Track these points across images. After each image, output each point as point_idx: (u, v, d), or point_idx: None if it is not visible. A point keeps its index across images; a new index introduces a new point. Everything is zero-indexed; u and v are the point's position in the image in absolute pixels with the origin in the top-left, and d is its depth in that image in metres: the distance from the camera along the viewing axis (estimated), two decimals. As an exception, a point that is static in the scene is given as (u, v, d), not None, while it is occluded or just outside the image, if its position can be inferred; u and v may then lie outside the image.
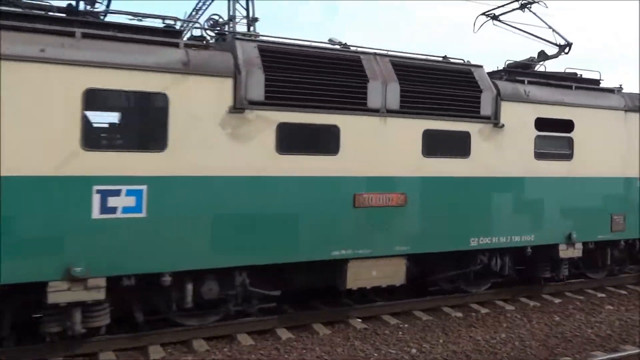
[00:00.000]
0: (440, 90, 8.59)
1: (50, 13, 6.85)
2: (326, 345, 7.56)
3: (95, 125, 6.62)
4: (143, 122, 6.89)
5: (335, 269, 8.12)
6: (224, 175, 7.09)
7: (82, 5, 7.31)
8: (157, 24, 7.29)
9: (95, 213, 6.43)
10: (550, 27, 11.31)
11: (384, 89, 8.12)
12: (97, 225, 6.43)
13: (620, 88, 10.91)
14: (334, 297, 8.99)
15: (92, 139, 6.46)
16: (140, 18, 7.07)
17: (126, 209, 6.58)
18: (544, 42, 11.51)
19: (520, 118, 9.37)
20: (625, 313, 9.52)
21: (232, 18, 28.67)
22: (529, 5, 10.92)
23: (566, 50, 11.42)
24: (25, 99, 6.07)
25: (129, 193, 6.60)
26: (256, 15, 29.63)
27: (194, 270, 7.09)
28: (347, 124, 7.86)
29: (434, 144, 8.61)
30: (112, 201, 6.51)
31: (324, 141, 7.77)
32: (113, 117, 6.94)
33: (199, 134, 6.93)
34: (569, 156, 9.90)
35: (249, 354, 7.16)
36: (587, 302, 10.10)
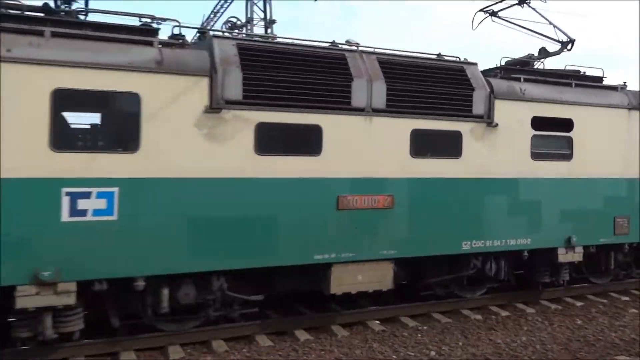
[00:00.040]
0: (429, 88, 8.30)
1: (27, 13, 6.74)
2: (344, 347, 7.51)
3: (64, 125, 6.47)
4: (114, 123, 6.73)
5: (319, 274, 7.88)
6: (199, 177, 6.89)
7: (56, 5, 7.19)
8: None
9: (65, 216, 6.28)
10: (551, 23, 10.94)
11: (369, 88, 7.86)
12: (66, 228, 6.27)
13: (624, 85, 10.50)
14: (350, 300, 8.89)
15: (61, 140, 6.31)
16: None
17: (97, 212, 6.42)
18: (545, 38, 11.17)
19: (515, 117, 9.03)
20: (651, 316, 9.21)
21: (249, 20, 28.76)
22: (528, 1, 10.57)
23: (569, 47, 11.03)
24: None
25: (100, 195, 6.44)
26: (274, 18, 29.92)
27: (170, 274, 6.91)
28: (330, 123, 7.61)
29: (423, 144, 8.32)
30: (82, 204, 6.35)
31: (306, 141, 7.53)
32: (83, 117, 6.80)
33: (173, 135, 6.75)
34: (568, 156, 9.52)
35: (268, 355, 7.17)
36: (610, 306, 9.82)
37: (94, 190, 6.40)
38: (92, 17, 7.44)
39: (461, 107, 8.53)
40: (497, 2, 10.87)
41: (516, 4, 10.74)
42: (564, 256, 9.52)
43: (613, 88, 10.34)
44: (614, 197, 9.96)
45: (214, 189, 6.96)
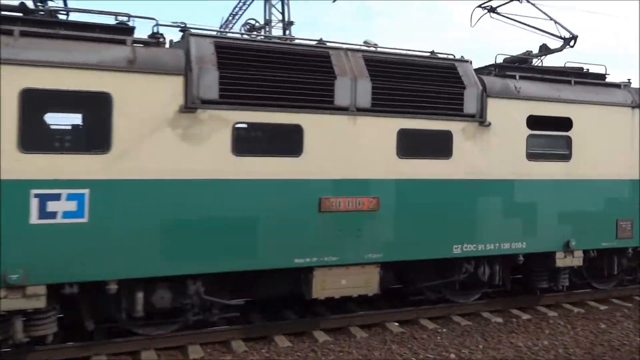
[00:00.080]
0: (418, 86, 8.03)
1: (3, 12, 6.66)
2: (363, 349, 7.44)
3: (33, 126, 6.35)
4: (85, 123, 6.61)
5: (300, 278, 7.66)
6: (173, 179, 6.73)
7: (35, 5, 7.10)
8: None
9: (34, 218, 6.16)
10: (551, 19, 10.58)
11: (353, 86, 7.62)
12: (35, 230, 6.16)
13: (628, 83, 10.08)
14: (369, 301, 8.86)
15: (30, 140, 6.18)
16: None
17: (67, 214, 6.30)
18: (547, 35, 10.81)
19: (509, 116, 8.71)
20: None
21: (268, 22, 28.84)
22: (526, -4, 10.23)
23: (571, 43, 10.67)
24: None
25: (70, 197, 6.31)
26: (292, 19, 29.94)
27: (145, 278, 6.76)
28: (312, 123, 7.39)
29: (411, 145, 8.06)
30: (51, 206, 6.23)
31: (286, 142, 7.33)
32: (53, 117, 6.70)
33: (146, 135, 6.59)
34: (566, 157, 9.15)
35: (286, 356, 7.16)
36: (635, 310, 9.52)
37: (64, 192, 6.27)
38: (73, 17, 7.39)
39: (451, 106, 8.24)
40: (495, -2, 10.56)
41: (515, 0, 10.42)
42: (562, 261, 9.15)
43: (616, 85, 9.93)
44: (617, 200, 9.56)
45: (189, 191, 6.78)
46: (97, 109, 6.45)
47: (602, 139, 9.44)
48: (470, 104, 8.37)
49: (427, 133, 8.13)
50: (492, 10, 10.66)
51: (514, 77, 8.97)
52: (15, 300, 6.14)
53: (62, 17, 7.38)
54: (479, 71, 9.18)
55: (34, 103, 6.19)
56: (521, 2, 10.31)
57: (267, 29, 28.39)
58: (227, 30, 27.68)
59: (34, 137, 6.27)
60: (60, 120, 6.73)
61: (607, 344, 7.86)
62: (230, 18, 31.35)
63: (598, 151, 9.38)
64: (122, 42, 6.66)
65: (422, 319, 8.62)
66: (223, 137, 6.95)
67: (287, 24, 29.84)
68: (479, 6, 10.70)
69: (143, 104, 6.57)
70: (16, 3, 7.02)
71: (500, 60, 9.84)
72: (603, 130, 9.47)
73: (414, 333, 8.11)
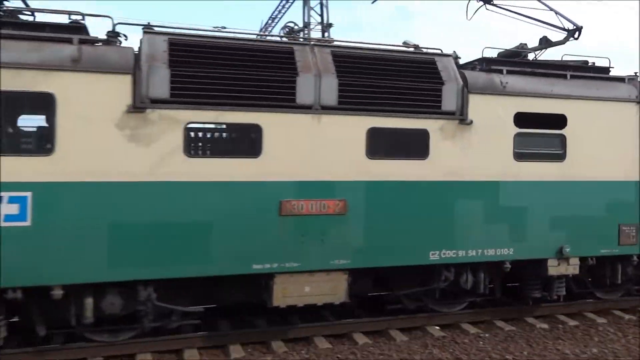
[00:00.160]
0: (390, 83, 7.57)
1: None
2: (403, 352, 7.36)
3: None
4: (27, 124, 6.46)
5: (261, 284, 7.33)
6: (121, 181, 6.51)
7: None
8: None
9: (-26, 221, 6.06)
10: (552, 10, 9.89)
11: (317, 83, 7.24)
12: None
13: (634, 77, 9.28)
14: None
15: None
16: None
17: (8, 217, 6.16)
18: (549, 27, 10.12)
19: (494, 113, 8.12)
20: None
21: (307, 25, 28.88)
22: (522, -15, 9.59)
23: (575, 35, 9.94)
24: None
25: (12, 200, 6.17)
26: (330, 21, 29.89)
27: (94, 283, 6.57)
28: (271, 122, 7.05)
29: (382, 144, 7.60)
30: (-8, 209, 6.11)
31: (243, 142, 7.03)
32: (-6, 119, 6.56)
33: (92, 136, 6.40)
34: (560, 156, 8.48)
35: (326, 357, 7.18)
36: None
37: (5, 194, 6.14)
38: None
39: (428, 103, 7.74)
40: (489, -12, 9.93)
41: (510, -10, 9.78)
42: (555, 268, 8.49)
43: (620, 79, 9.17)
44: (619, 203, 8.81)
45: (137, 194, 6.55)
46: (39, 110, 6.32)
47: (602, 137, 8.71)
48: (449, 101, 7.85)
49: (400, 132, 7.66)
50: (488, 1, 10.05)
51: (500, 71, 8.37)
52: (-44, 304, 6.06)
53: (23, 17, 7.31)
54: (465, 66, 8.62)
55: None
56: (516, -8, 9.66)
57: (306, 32, 28.41)
58: (265, 33, 27.67)
59: (-26, 139, 6.17)
60: (1, 121, 6.59)
61: (660, 352, 7.43)
62: (270, 21, 31.57)
63: (597, 150, 8.66)
64: (69, 41, 6.49)
65: (463, 323, 8.42)
66: (174, 138, 6.68)
67: (326, 26, 29.79)
68: (474, -3, 10.11)
69: (88, 104, 6.38)
70: None
71: (491, 54, 9.29)
72: (604, 127, 8.74)
73: (455, 337, 7.94)
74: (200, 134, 6.92)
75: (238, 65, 6.95)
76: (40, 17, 7.20)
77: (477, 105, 8.00)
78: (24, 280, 6.23)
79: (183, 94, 6.69)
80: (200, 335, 7.38)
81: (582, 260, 8.69)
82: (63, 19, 7.00)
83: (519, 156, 8.23)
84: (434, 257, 7.82)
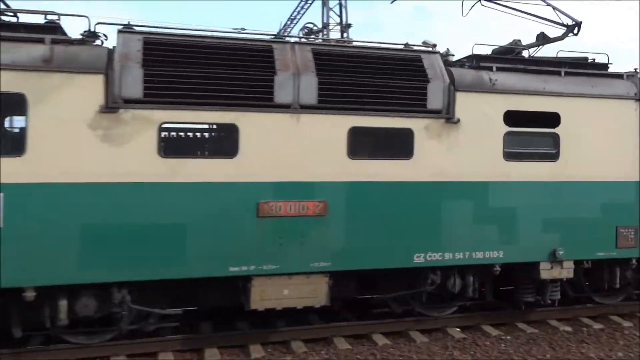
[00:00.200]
0: (372, 81, 7.38)
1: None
2: (423, 354, 7.32)
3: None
4: (-2, 125, 6.44)
5: (239, 287, 7.21)
6: (93, 182, 6.44)
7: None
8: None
9: (-55, 222, 6.05)
10: (549, 5, 9.58)
11: (296, 82, 7.09)
12: None
13: (634, 73, 8.93)
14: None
15: None
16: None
17: (-21, 218, 6.15)
18: (547, 23, 9.81)
19: (482, 111, 7.87)
20: None
21: (326, 25, 28.92)
22: (516, -20, 9.30)
23: (575, 30, 9.61)
24: None
25: (-17, 201, 6.15)
26: (349, 22, 29.90)
27: (68, 285, 6.52)
28: (248, 122, 6.92)
29: (364, 144, 7.43)
30: (-37, 210, 6.10)
31: (218, 142, 6.92)
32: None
33: (64, 137, 6.34)
34: (553, 156, 8.19)
35: (346, 358, 7.17)
36: None
37: (-24, 196, 6.12)
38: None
39: (413, 102, 7.53)
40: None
41: (504, -16, 9.50)
42: (548, 272, 8.20)
43: (618, 76, 8.83)
44: (617, 204, 8.47)
45: (110, 195, 6.47)
46: (10, 111, 6.28)
47: (599, 136, 8.39)
48: (434, 99, 7.63)
49: (383, 131, 7.47)
50: (483, -3, 9.79)
51: (490, 68, 8.11)
52: None
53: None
54: (454, 63, 8.38)
55: None
56: (511, -13, 9.38)
57: (325, 32, 28.41)
58: (284, 34, 27.65)
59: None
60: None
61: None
62: (289, 22, 31.64)
63: (593, 150, 8.35)
64: (41, 41, 6.45)
65: (484, 325, 8.32)
66: (148, 138, 6.60)
67: (345, 27, 29.74)
68: (467, -7, 9.85)
69: (60, 105, 6.33)
70: None
71: (484, 50, 9.02)
72: (600, 126, 8.42)
73: (476, 339, 7.85)
74: (174, 134, 6.83)
75: (214, 64, 6.84)
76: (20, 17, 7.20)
77: (465, 103, 7.77)
78: (-5, 281, 6.20)
79: (157, 93, 6.59)
80: (175, 338, 7.27)
81: (577, 263, 8.39)
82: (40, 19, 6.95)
83: (509, 156, 7.97)
84: (418, 259, 7.60)
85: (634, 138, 8.58)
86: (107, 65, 6.48)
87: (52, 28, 6.73)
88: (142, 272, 6.62)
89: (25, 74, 6.22)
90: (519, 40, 9.17)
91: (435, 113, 7.63)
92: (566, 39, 9.73)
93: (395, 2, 9.82)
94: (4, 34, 6.36)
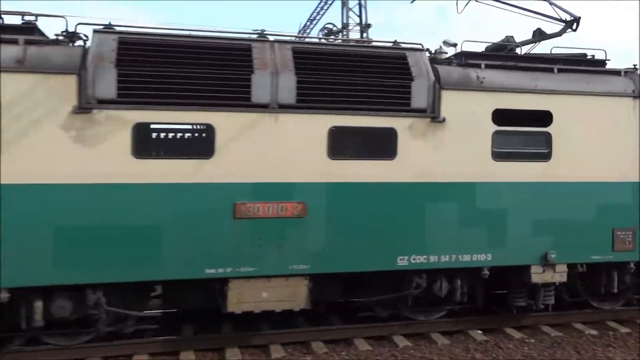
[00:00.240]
0: (354, 79, 7.22)
1: None
2: (445, 356, 7.25)
3: None
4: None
5: (216, 289, 7.10)
6: (66, 183, 6.40)
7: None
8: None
9: None
10: (546, 0, 9.31)
11: (274, 81, 6.96)
12: None
13: (632, 70, 8.60)
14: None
15: None
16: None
17: (-49, 220, 6.15)
18: (544, 18, 9.55)
19: (469, 110, 7.65)
20: None
21: (345, 26, 28.89)
22: (508, -24, 9.05)
23: (573, 26, 9.34)
24: None
25: (-45, 202, 6.16)
26: (369, 22, 29.83)
27: (42, 287, 6.49)
28: (225, 122, 6.81)
29: (345, 144, 7.28)
30: None
31: (194, 142, 6.84)
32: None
33: (36, 138, 6.31)
34: (545, 156, 7.92)
35: (366, 359, 7.14)
36: None
37: (-51, 197, 6.13)
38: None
39: (396, 100, 7.34)
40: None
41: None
42: (539, 276, 7.92)
43: (615, 73, 8.51)
44: (613, 206, 8.16)
45: (83, 196, 6.43)
46: None
47: (594, 135, 8.10)
48: (419, 98, 7.43)
49: (365, 131, 7.31)
50: (475, -8, 9.55)
51: (478, 66, 7.88)
52: None
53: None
54: (442, 61, 8.16)
55: None
56: (504, -17, 9.13)
57: (345, 33, 28.35)
58: (304, 35, 27.64)
59: None
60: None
61: None
62: (308, 23, 31.68)
63: (588, 149, 8.05)
64: (14, 42, 6.44)
65: (507, 328, 8.23)
66: (122, 139, 6.54)
67: (365, 27, 29.63)
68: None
69: (33, 105, 6.30)
70: None
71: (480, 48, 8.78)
72: (595, 124, 8.12)
73: (498, 342, 7.75)
74: (149, 135, 6.75)
75: (190, 63, 6.75)
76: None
77: (451, 101, 7.56)
78: (-31, 283, 6.21)
79: (131, 93, 6.53)
80: (150, 341, 7.19)
81: (572, 267, 8.10)
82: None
83: (497, 156, 7.73)
84: (402, 262, 7.41)
85: (631, 137, 8.26)
86: (80, 66, 6.44)
87: (29, 29, 6.72)
88: (115, 274, 6.56)
89: None
90: (512, 37, 8.92)
91: (419, 112, 7.44)
92: (566, 36, 9.51)
93: (415, 2, 9.61)
94: (-23, 35, 6.37)
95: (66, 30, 6.95)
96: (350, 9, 29.71)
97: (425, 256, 7.47)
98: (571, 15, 9.32)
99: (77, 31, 7.00)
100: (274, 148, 6.97)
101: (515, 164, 7.79)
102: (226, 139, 6.81)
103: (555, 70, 8.18)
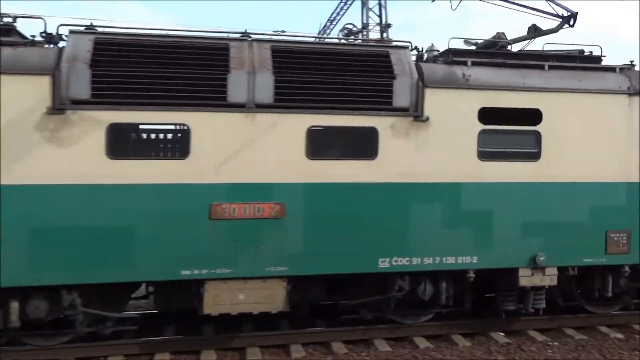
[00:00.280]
0: (333, 78, 7.09)
1: None
2: (466, 358, 7.22)
3: None
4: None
5: (192, 291, 7.04)
6: (40, 184, 6.40)
7: None
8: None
9: None
10: (542, -3, 9.04)
11: (250, 81, 6.87)
12: None
13: (628, 66, 8.30)
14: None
15: None
16: None
17: None
18: (540, 14, 9.28)
19: (454, 108, 7.46)
20: None
21: (365, 26, 28.84)
22: (501, -30, 8.80)
23: (571, 22, 9.05)
24: None
25: None
26: (389, 22, 29.73)
27: (18, 287, 6.51)
28: (200, 122, 6.74)
29: (324, 144, 7.16)
30: None
31: (169, 143, 6.78)
32: None
33: (9, 139, 6.32)
34: (534, 155, 7.69)
35: None
36: None
37: None
38: None
39: (377, 99, 7.19)
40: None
41: (490, -25, 9.01)
42: (528, 279, 7.70)
43: (610, 69, 8.22)
44: (606, 207, 7.89)
45: (58, 197, 6.42)
46: None
47: (585, 133, 7.83)
48: (401, 96, 7.27)
49: (345, 130, 7.18)
50: (470, -11, 9.32)
51: (464, 63, 7.68)
52: None
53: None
54: (428, 59, 7.98)
55: None
56: (496, -22, 8.89)
57: (365, 33, 28.25)
58: (323, 35, 27.54)
59: None
60: None
61: None
62: (328, 24, 31.67)
63: (580, 148, 7.80)
64: (-10, 44, 6.46)
65: (530, 330, 8.12)
66: (96, 139, 6.51)
67: (385, 27, 29.51)
68: (453, -15, 9.40)
69: (6, 106, 6.31)
70: None
71: (468, 45, 8.57)
72: (587, 123, 7.86)
73: (521, 345, 7.66)
74: (123, 135, 6.73)
75: (164, 63, 6.70)
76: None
77: (435, 100, 7.38)
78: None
79: (105, 94, 6.50)
80: (125, 343, 7.15)
81: (563, 270, 7.85)
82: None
83: (484, 155, 7.52)
84: (383, 264, 7.26)
85: (626, 135, 7.97)
86: (54, 67, 6.44)
87: (7, 30, 6.74)
88: (89, 275, 6.54)
89: None
90: (503, 33, 8.67)
91: (402, 111, 7.28)
92: (565, 32, 9.22)
93: (436, 1, 9.45)
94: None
95: (45, 32, 6.95)
96: (370, 9, 29.61)
97: (407, 258, 7.31)
98: (568, 10, 9.04)
99: (59, 32, 7.02)
100: (250, 148, 6.88)
101: (503, 164, 7.58)
102: (201, 139, 6.74)
103: (546, 67, 7.93)
